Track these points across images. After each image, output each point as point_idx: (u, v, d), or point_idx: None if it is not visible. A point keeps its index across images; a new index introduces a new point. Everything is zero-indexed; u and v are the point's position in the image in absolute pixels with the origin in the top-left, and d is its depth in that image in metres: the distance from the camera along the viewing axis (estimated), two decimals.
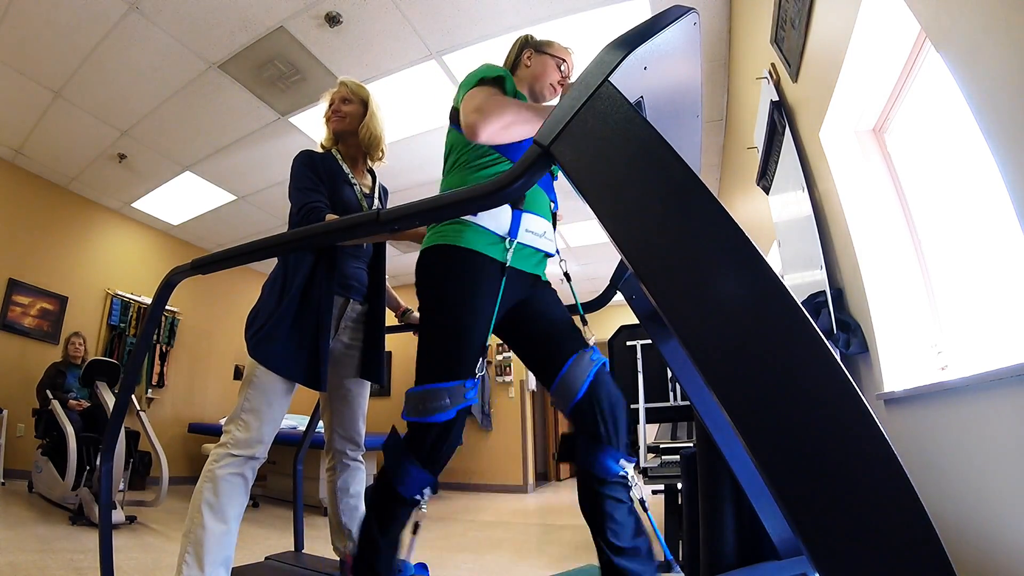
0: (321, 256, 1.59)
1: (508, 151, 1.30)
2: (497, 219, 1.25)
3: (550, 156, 0.63)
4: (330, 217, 1.53)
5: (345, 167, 1.73)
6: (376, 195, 1.82)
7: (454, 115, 1.34)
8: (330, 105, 1.78)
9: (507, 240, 1.25)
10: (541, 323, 1.34)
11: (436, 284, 1.24)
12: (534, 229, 1.31)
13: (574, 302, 1.46)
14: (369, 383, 1.80)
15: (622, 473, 1.16)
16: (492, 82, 1.26)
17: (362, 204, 1.73)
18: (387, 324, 1.82)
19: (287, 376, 1.52)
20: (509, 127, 1.14)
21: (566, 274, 1.38)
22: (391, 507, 1.17)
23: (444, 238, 1.25)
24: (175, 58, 3.26)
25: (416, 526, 1.19)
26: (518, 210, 1.28)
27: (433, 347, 1.21)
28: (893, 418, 1.57)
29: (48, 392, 3.68)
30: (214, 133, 4.06)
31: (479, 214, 1.23)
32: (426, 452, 1.15)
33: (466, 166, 1.31)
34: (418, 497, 1.16)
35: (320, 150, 1.78)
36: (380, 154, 1.81)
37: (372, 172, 1.87)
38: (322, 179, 1.64)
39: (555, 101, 1.45)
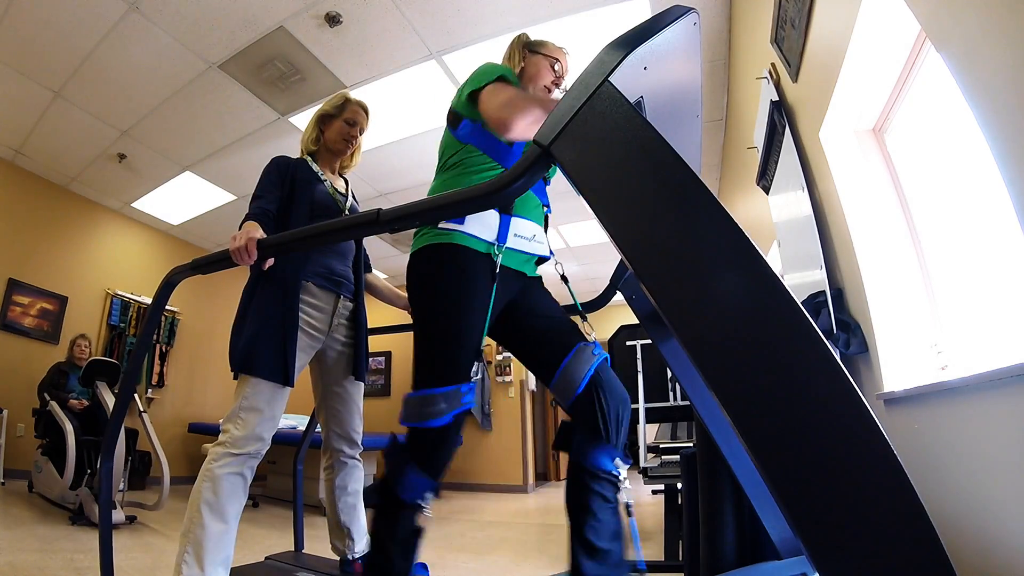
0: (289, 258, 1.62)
1: (502, 158, 1.28)
2: (485, 225, 1.22)
3: (550, 156, 0.63)
4: (259, 233, 1.42)
5: (315, 167, 1.78)
6: (350, 193, 1.87)
7: (451, 118, 1.32)
8: (350, 123, 1.80)
9: (495, 246, 1.23)
10: (537, 319, 1.32)
11: (428, 286, 1.23)
12: (523, 233, 1.29)
13: (573, 303, 1.44)
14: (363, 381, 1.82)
15: (615, 472, 1.15)
16: (507, 79, 1.23)
17: (335, 198, 1.77)
18: (385, 324, 1.83)
19: (261, 376, 1.52)
20: (536, 123, 1.11)
21: (563, 277, 1.35)
22: (394, 511, 1.17)
23: (434, 238, 1.23)
24: (175, 58, 3.26)
25: (419, 530, 1.18)
26: (507, 215, 1.25)
27: (428, 352, 1.20)
28: (893, 418, 1.57)
29: (45, 394, 3.67)
30: (214, 133, 4.05)
31: (467, 222, 1.20)
32: (425, 456, 1.15)
33: (464, 170, 1.28)
34: (420, 501, 1.15)
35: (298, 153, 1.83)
36: (353, 166, 1.93)
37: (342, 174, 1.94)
38: (283, 186, 1.67)
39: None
